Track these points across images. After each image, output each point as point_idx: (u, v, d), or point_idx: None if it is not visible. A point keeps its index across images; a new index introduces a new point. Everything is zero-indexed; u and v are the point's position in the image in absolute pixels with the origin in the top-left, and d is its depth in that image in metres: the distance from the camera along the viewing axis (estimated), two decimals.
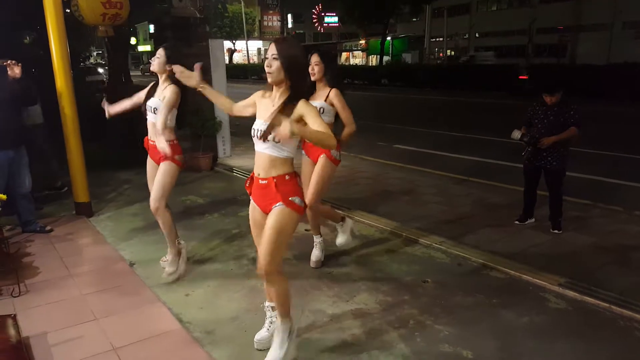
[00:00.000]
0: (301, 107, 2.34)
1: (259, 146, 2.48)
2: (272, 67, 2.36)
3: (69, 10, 5.68)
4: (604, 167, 7.50)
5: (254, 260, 4.17)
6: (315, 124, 2.27)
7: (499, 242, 4.52)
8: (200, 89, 2.75)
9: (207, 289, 3.68)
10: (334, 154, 3.70)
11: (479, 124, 12.56)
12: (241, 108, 2.75)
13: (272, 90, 2.49)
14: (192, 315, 3.28)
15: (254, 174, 2.58)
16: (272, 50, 2.36)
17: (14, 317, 2.92)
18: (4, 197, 3.68)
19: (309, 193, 3.73)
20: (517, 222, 4.96)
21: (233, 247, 4.47)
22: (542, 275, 3.74)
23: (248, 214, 5.45)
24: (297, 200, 2.48)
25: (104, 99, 4.00)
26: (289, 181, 2.48)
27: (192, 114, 7.00)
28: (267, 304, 2.91)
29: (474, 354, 2.82)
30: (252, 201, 2.67)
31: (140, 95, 3.94)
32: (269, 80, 2.41)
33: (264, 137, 2.39)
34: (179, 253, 3.95)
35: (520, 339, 2.98)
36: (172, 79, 3.75)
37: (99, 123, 7.89)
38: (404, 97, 21.56)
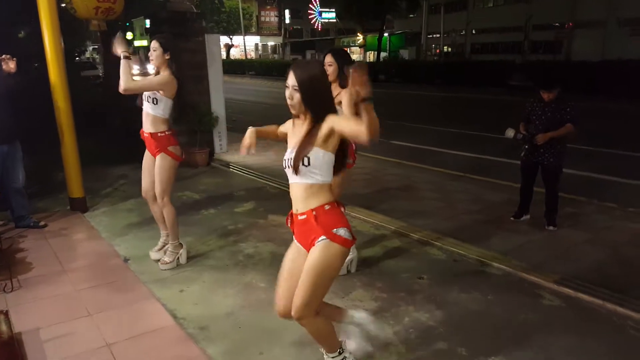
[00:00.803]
0: (329, 121, 2.14)
1: (292, 178, 2.24)
2: (294, 99, 2.17)
3: (63, 5, 5.63)
4: (599, 163, 7.52)
5: (249, 256, 4.16)
6: (348, 120, 2.10)
7: (495, 238, 4.53)
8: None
9: (202, 285, 3.67)
10: (349, 161, 3.67)
11: (476, 120, 12.57)
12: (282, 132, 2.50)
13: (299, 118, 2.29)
14: (186, 311, 3.26)
15: (292, 212, 2.31)
16: (292, 80, 2.15)
17: (5, 313, 2.91)
18: None
19: None
20: (512, 218, 4.97)
21: (229, 243, 4.46)
22: (537, 272, 3.75)
23: (244, 210, 5.46)
24: (341, 231, 2.17)
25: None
26: (330, 210, 2.20)
27: (188, 109, 6.97)
28: None
29: (469, 350, 2.82)
30: (294, 240, 2.37)
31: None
32: (292, 112, 2.23)
33: (294, 166, 2.17)
34: (180, 246, 4.02)
35: (515, 336, 2.97)
36: (172, 70, 3.74)
37: (94, 118, 7.89)
38: (401, 93, 21.54)
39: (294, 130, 2.32)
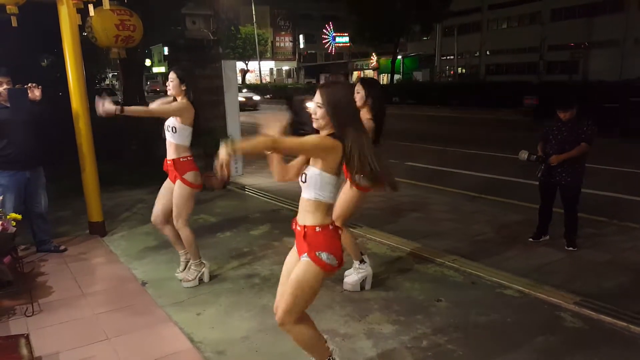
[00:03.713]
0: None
1: (302, 189, 2.36)
2: (317, 114, 2.28)
3: (85, 34, 5.82)
4: (619, 183, 7.40)
5: (265, 279, 4.17)
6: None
7: (513, 259, 4.47)
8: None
9: (219, 308, 3.67)
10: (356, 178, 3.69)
11: (492, 141, 12.51)
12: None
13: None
14: (203, 335, 3.27)
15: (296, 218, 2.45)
16: (317, 97, 2.28)
17: (26, 337, 2.94)
18: (19, 217, 3.74)
19: (333, 214, 3.73)
20: (531, 239, 4.90)
21: (244, 266, 4.47)
22: (557, 293, 3.68)
23: (260, 233, 5.48)
24: (324, 256, 2.28)
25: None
26: (319, 233, 2.30)
27: (205, 134, 7.09)
28: None
29: None
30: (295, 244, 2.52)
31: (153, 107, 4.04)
32: (315, 126, 2.32)
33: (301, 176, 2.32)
34: (202, 264, 4.11)
35: (536, 359, 2.91)
36: (188, 98, 3.89)
37: (113, 142, 8.06)
38: (415, 114, 21.57)
39: None
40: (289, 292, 2.33)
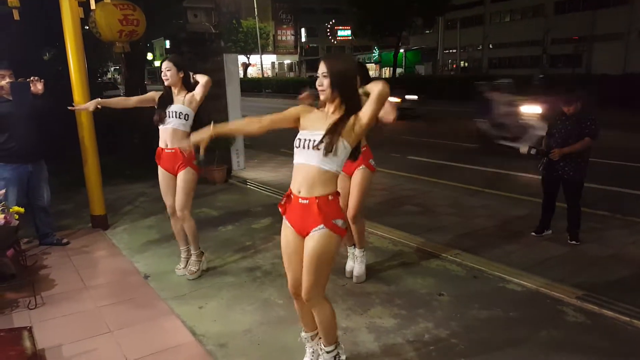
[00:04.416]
0: (353, 120, 2.29)
1: (304, 157, 2.31)
2: (324, 84, 2.29)
3: (87, 27, 5.80)
4: (622, 177, 7.38)
5: (267, 272, 4.17)
6: (367, 106, 2.26)
7: (515, 254, 4.46)
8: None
9: (221, 301, 3.68)
10: (372, 162, 3.77)
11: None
12: (276, 122, 2.44)
13: (325, 106, 2.39)
14: (205, 328, 3.28)
15: (291, 191, 2.40)
16: (322, 68, 2.30)
17: (29, 330, 2.95)
18: (21, 210, 3.75)
19: (352, 206, 3.77)
20: (533, 233, 4.89)
21: (246, 260, 4.48)
22: (559, 287, 3.68)
23: (262, 226, 5.47)
24: (339, 222, 2.34)
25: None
26: (332, 202, 2.33)
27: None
28: (303, 334, 2.72)
29: None
30: (285, 222, 2.46)
31: (137, 99, 4.13)
32: (322, 97, 2.34)
33: (328, 148, 2.25)
34: (202, 254, 4.17)
35: (538, 353, 2.91)
36: (187, 87, 3.87)
37: (115, 137, 8.07)
38: (417, 108, 21.47)
39: (314, 115, 2.41)
40: (313, 268, 2.34)
